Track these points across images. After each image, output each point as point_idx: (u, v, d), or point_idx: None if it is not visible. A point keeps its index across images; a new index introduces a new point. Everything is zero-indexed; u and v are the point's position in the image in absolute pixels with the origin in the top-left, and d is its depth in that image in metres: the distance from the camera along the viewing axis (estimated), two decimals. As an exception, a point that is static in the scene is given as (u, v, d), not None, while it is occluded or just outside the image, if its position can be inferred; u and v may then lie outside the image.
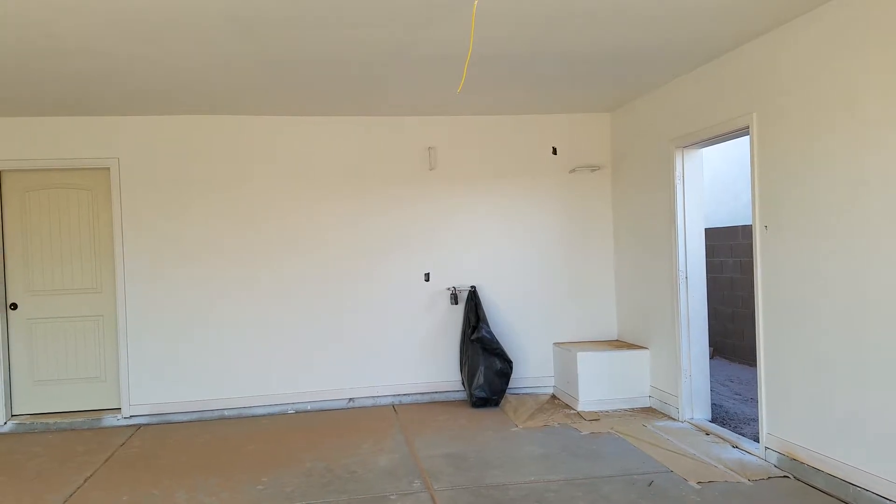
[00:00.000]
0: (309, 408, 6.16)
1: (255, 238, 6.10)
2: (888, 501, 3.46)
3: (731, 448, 4.68)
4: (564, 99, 5.87)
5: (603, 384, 5.85)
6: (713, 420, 5.40)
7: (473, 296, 6.25)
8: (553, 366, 6.50)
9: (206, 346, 6.02)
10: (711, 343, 8.25)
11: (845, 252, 3.71)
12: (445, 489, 4.09)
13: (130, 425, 5.86)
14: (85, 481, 4.47)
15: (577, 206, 6.56)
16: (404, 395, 6.31)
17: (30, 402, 5.92)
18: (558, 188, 6.53)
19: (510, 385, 6.31)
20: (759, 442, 4.53)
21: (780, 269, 4.23)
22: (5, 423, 5.76)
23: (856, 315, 3.66)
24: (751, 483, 4.05)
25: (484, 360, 5.98)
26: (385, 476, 4.36)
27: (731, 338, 8.16)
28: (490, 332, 6.07)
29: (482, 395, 5.97)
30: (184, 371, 5.98)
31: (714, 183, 8.56)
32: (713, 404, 5.80)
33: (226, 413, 6.02)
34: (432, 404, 6.24)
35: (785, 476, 4.13)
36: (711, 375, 6.93)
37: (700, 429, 5.15)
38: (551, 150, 6.51)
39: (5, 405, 5.78)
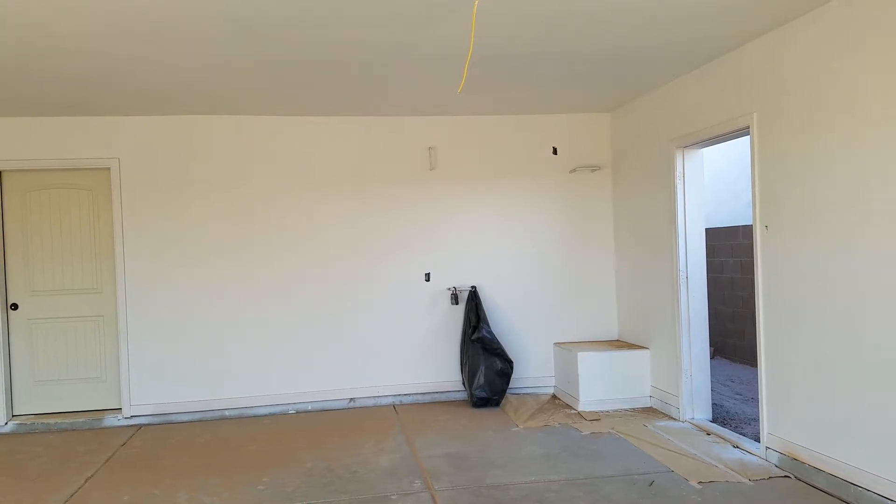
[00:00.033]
0: (310, 408, 6.16)
1: (255, 238, 6.10)
2: (889, 501, 3.46)
3: (731, 448, 4.68)
4: (564, 99, 5.87)
5: (603, 384, 5.85)
6: (714, 420, 5.40)
7: (474, 296, 6.25)
8: (554, 366, 6.50)
9: (206, 346, 6.02)
10: (712, 343, 8.24)
11: (845, 252, 3.71)
12: (446, 489, 4.09)
13: (131, 425, 5.86)
14: (86, 481, 4.47)
15: (578, 206, 6.56)
16: (405, 395, 6.31)
17: (31, 402, 5.93)
18: (559, 188, 6.53)
19: (511, 385, 6.31)
20: (759, 442, 4.53)
21: (780, 269, 4.23)
22: (6, 423, 5.76)
23: (856, 315, 3.65)
24: (752, 483, 4.04)
25: (484, 360, 5.98)
26: (386, 476, 4.35)
27: (732, 338, 8.16)
28: (491, 332, 6.07)
29: (483, 395, 5.96)
30: (184, 371, 5.98)
31: (715, 182, 8.55)
32: (714, 404, 5.80)
33: (227, 413, 6.03)
34: (433, 404, 6.24)
35: (786, 476, 4.12)
36: (712, 375, 6.93)
37: (701, 429, 5.15)
38: (552, 150, 6.51)
39: (6, 405, 5.79)
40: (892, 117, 3.38)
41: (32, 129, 5.79)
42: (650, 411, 5.75)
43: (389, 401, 6.29)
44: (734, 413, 5.66)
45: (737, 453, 4.56)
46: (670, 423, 5.37)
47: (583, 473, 4.29)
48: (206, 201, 6.03)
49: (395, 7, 3.57)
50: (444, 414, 5.88)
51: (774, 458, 4.32)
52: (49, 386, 5.94)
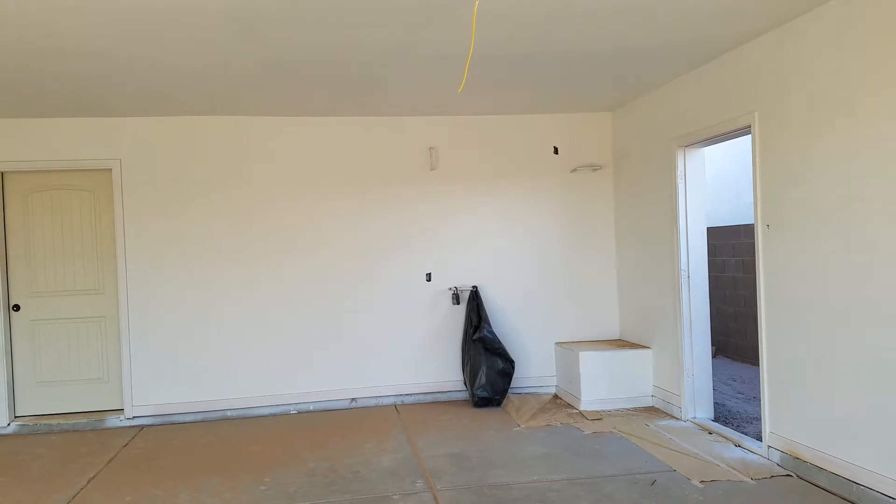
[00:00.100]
0: (311, 408, 6.16)
1: (254, 238, 6.10)
2: (892, 500, 3.46)
3: (733, 447, 4.68)
4: (565, 98, 5.87)
5: (605, 383, 5.85)
6: (716, 419, 5.40)
7: (475, 296, 6.25)
8: (555, 365, 6.49)
9: (206, 346, 6.02)
10: (714, 342, 8.23)
11: (845, 252, 3.70)
12: (448, 489, 4.09)
13: (133, 426, 5.87)
14: (88, 482, 4.47)
15: (579, 205, 6.55)
16: (406, 394, 6.31)
17: (33, 403, 5.93)
18: (560, 188, 6.53)
19: (512, 385, 6.31)
20: (761, 441, 4.53)
21: (781, 269, 4.22)
22: (8, 424, 5.76)
23: (856, 315, 3.65)
24: (754, 482, 4.04)
25: (486, 359, 5.98)
26: (388, 476, 4.35)
27: (734, 337, 8.15)
28: (492, 332, 6.06)
29: (484, 394, 5.96)
30: (183, 371, 5.98)
31: (716, 182, 8.54)
32: (716, 403, 5.79)
33: (228, 413, 6.03)
34: (434, 404, 6.24)
35: (788, 475, 4.12)
36: (714, 374, 6.93)
37: (703, 428, 5.14)
38: (552, 149, 6.51)
39: (8, 406, 5.79)
40: (892, 117, 3.37)
41: (33, 130, 5.80)
42: (652, 410, 5.74)
43: (391, 401, 6.29)
44: (736, 412, 5.65)
45: (739, 452, 4.56)
46: (672, 422, 5.36)
47: (585, 473, 4.28)
48: (207, 201, 6.03)
49: (395, 7, 3.57)
50: (446, 414, 5.88)
51: (776, 456, 4.32)
52: (51, 387, 5.95)
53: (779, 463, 4.29)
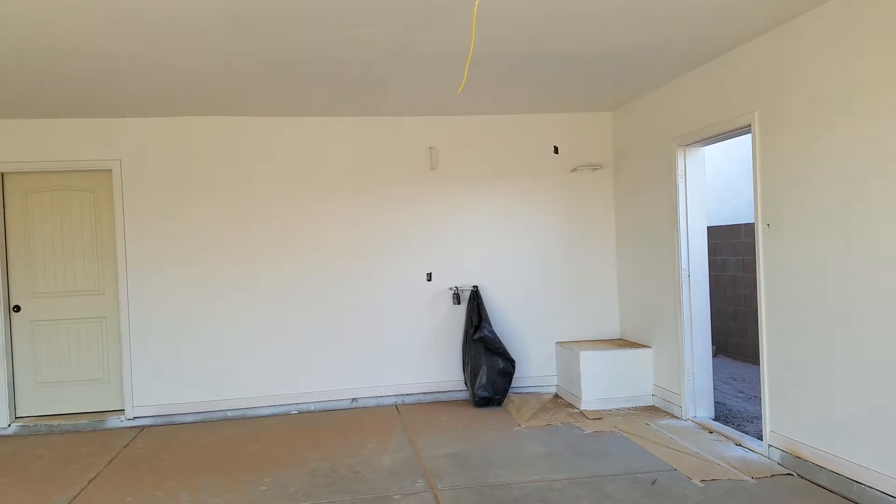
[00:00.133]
0: (312, 408, 6.16)
1: (255, 238, 6.10)
2: (891, 498, 3.46)
3: (734, 446, 4.68)
4: (565, 98, 5.87)
5: (606, 383, 5.85)
6: (716, 418, 5.40)
7: (476, 295, 6.25)
8: (556, 365, 6.49)
9: (207, 347, 6.02)
10: (714, 341, 8.24)
11: (845, 252, 3.70)
12: (449, 489, 4.09)
13: (134, 427, 5.87)
14: (89, 483, 4.48)
15: (579, 205, 6.55)
16: (407, 394, 6.31)
17: (33, 403, 5.93)
18: (560, 187, 6.53)
19: (513, 384, 6.31)
20: (762, 440, 4.53)
21: (781, 268, 4.22)
22: (9, 424, 5.76)
23: (856, 315, 3.65)
24: (754, 481, 4.04)
25: (486, 359, 5.98)
26: (389, 476, 4.35)
27: (734, 336, 8.15)
28: (492, 332, 6.06)
29: (485, 394, 5.96)
30: (184, 371, 5.98)
31: (716, 181, 8.55)
32: (716, 402, 5.79)
33: (229, 414, 6.03)
34: (435, 404, 6.24)
35: (789, 474, 4.12)
36: (714, 374, 6.94)
37: (703, 427, 5.15)
38: (553, 149, 6.51)
39: (9, 407, 5.79)
40: (892, 117, 3.37)
41: (33, 131, 5.80)
42: (652, 410, 5.74)
43: (391, 401, 6.29)
44: (736, 411, 5.65)
45: (739, 451, 4.56)
46: (673, 421, 5.36)
47: (585, 472, 4.28)
48: (207, 202, 6.03)
49: (395, 7, 3.57)
50: (447, 414, 5.88)
51: (777, 455, 4.32)
52: (52, 388, 5.95)
53: (779, 462, 4.29)
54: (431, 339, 6.36)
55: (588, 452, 4.68)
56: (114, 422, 5.88)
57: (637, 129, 6.03)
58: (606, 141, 6.58)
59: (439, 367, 6.36)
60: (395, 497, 4.00)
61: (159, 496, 4.18)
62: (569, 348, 6.13)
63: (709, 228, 8.05)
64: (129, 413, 5.90)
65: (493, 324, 6.28)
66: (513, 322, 6.46)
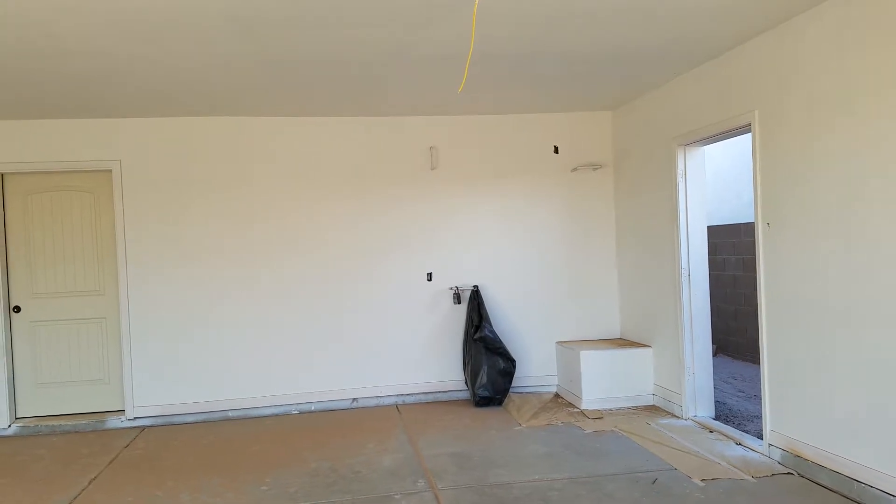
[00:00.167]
0: (313, 408, 6.16)
1: (255, 238, 6.10)
2: (892, 497, 3.46)
3: (734, 445, 4.68)
4: (565, 98, 5.87)
5: (606, 382, 5.85)
6: (717, 417, 5.40)
7: (476, 295, 6.25)
8: (556, 364, 6.50)
9: (207, 347, 6.02)
10: (714, 340, 8.24)
11: (845, 252, 3.70)
12: (449, 488, 4.09)
13: (134, 427, 5.87)
14: (89, 483, 4.48)
15: (579, 204, 6.55)
16: (407, 394, 6.31)
17: (34, 404, 5.93)
18: (560, 187, 6.53)
19: (513, 384, 6.31)
20: (762, 439, 4.53)
21: (782, 268, 4.22)
22: (9, 425, 5.76)
23: (856, 315, 3.65)
24: (755, 480, 4.04)
25: (487, 359, 5.98)
26: (389, 476, 4.36)
27: (734, 335, 8.15)
28: (493, 332, 6.06)
29: (485, 394, 5.96)
30: (184, 371, 5.98)
31: (716, 180, 8.55)
32: (716, 402, 5.79)
33: (230, 414, 6.03)
34: (436, 404, 6.24)
35: (789, 473, 4.12)
36: (715, 373, 6.94)
37: (704, 426, 5.15)
38: (553, 148, 6.50)
39: (9, 408, 5.79)
40: (892, 117, 3.37)
41: (33, 131, 5.80)
42: (653, 409, 5.74)
43: (392, 401, 6.29)
44: (737, 410, 5.65)
45: (740, 450, 4.56)
46: (673, 420, 5.37)
47: (586, 472, 4.28)
48: (207, 202, 6.03)
49: (395, 7, 3.57)
50: (447, 413, 5.88)
51: (777, 455, 4.32)
52: (52, 388, 5.95)
53: (780, 461, 4.29)
54: (432, 338, 6.36)
55: (588, 452, 4.68)
56: (114, 422, 5.88)
57: (637, 129, 6.03)
58: (607, 140, 6.58)
59: (440, 367, 6.37)
60: (395, 497, 4.00)
61: (160, 496, 4.18)
62: (569, 348, 6.13)
63: (709, 228, 8.05)
64: (130, 413, 5.90)
65: (493, 323, 6.28)
66: (513, 322, 6.46)
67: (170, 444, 5.31)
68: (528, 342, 6.48)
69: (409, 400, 6.31)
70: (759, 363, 4.75)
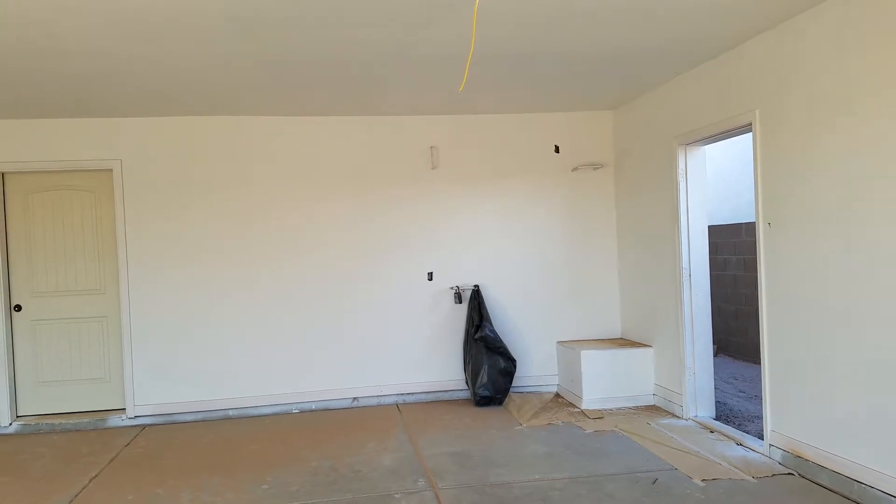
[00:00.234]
0: (313, 407, 6.16)
1: (255, 238, 6.10)
2: (892, 498, 3.46)
3: (735, 445, 4.68)
4: (566, 97, 5.86)
5: (607, 382, 5.85)
6: (717, 418, 5.40)
7: (477, 295, 6.25)
8: (557, 364, 6.49)
9: (206, 346, 6.03)
10: (715, 340, 8.23)
11: (845, 252, 3.70)
12: (450, 488, 4.09)
13: (135, 426, 5.87)
14: (90, 481, 4.48)
15: (580, 204, 6.55)
16: (408, 394, 6.31)
17: (34, 402, 5.94)
18: (560, 187, 6.52)
19: (514, 384, 6.30)
20: (763, 439, 4.52)
21: (782, 268, 4.22)
22: (10, 423, 5.77)
23: (856, 315, 3.64)
24: (755, 480, 4.04)
25: (487, 358, 5.98)
26: (389, 475, 4.36)
27: (735, 335, 8.14)
28: (493, 331, 6.06)
29: (486, 393, 5.96)
30: (185, 371, 5.99)
31: (717, 180, 8.54)
32: (717, 402, 5.79)
33: (230, 413, 6.03)
34: (436, 403, 6.25)
35: (789, 473, 4.12)
36: (715, 373, 6.93)
37: (704, 426, 5.15)
38: (553, 148, 6.50)
39: (10, 406, 5.80)
40: (892, 117, 3.37)
41: (34, 131, 5.80)
42: (653, 409, 5.74)
43: (392, 400, 6.29)
44: (737, 411, 5.65)
45: (740, 451, 4.56)
46: (674, 420, 5.36)
47: (586, 472, 4.29)
48: (207, 202, 6.03)
49: (395, 7, 3.57)
50: (448, 413, 5.88)
51: (778, 455, 4.32)
52: (53, 387, 5.96)
53: (780, 461, 4.29)
54: (432, 338, 6.36)
55: (589, 452, 4.68)
56: (115, 421, 5.89)
57: (638, 129, 6.03)
58: (607, 140, 6.58)
59: (440, 367, 6.37)
60: (396, 496, 4.00)
61: (160, 495, 4.19)
62: (570, 348, 6.13)
63: (710, 227, 8.04)
64: (130, 412, 5.91)
65: (494, 323, 6.28)
66: (514, 321, 6.46)
67: (170, 442, 5.32)
68: (528, 342, 6.48)
69: (409, 399, 6.31)
70: (759, 363, 4.75)
